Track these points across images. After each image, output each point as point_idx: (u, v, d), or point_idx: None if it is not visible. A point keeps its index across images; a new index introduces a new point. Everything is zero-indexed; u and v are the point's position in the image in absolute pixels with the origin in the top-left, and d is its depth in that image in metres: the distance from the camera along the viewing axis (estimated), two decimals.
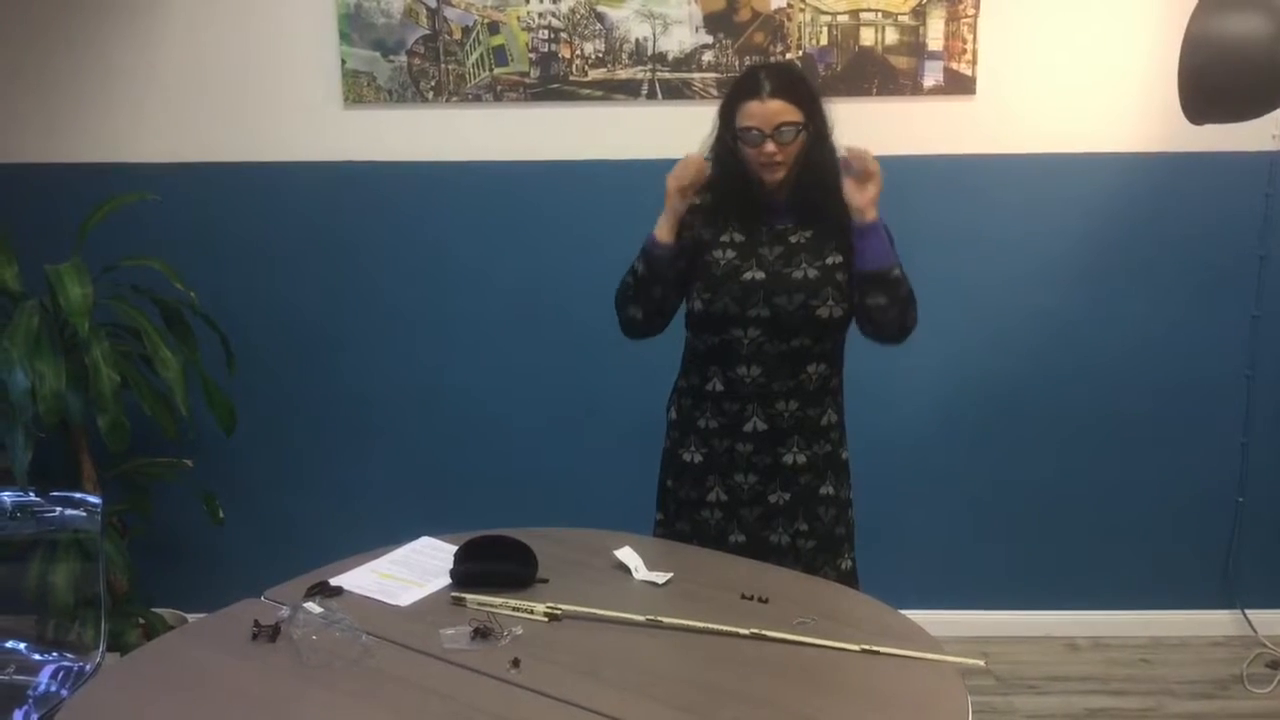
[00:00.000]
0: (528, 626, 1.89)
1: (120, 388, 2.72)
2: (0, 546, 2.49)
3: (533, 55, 3.13)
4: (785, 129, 2.13)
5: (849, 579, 2.36)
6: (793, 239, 2.23)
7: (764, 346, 2.20)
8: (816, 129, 2.18)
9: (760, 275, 2.20)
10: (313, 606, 1.86)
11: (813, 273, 2.20)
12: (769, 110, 2.12)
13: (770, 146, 2.13)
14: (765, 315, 2.19)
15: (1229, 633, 3.40)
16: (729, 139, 2.19)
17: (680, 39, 3.10)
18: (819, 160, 2.19)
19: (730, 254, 2.23)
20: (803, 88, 2.18)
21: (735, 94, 2.18)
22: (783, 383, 2.23)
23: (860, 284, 2.19)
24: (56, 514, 2.47)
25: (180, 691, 1.72)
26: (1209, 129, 2.73)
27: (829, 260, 2.21)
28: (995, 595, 3.41)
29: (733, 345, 2.22)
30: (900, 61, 3.10)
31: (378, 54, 3.13)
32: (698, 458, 2.32)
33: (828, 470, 2.32)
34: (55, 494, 2.47)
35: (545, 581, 2.05)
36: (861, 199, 2.14)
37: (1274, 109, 2.55)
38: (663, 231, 2.22)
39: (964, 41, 3.09)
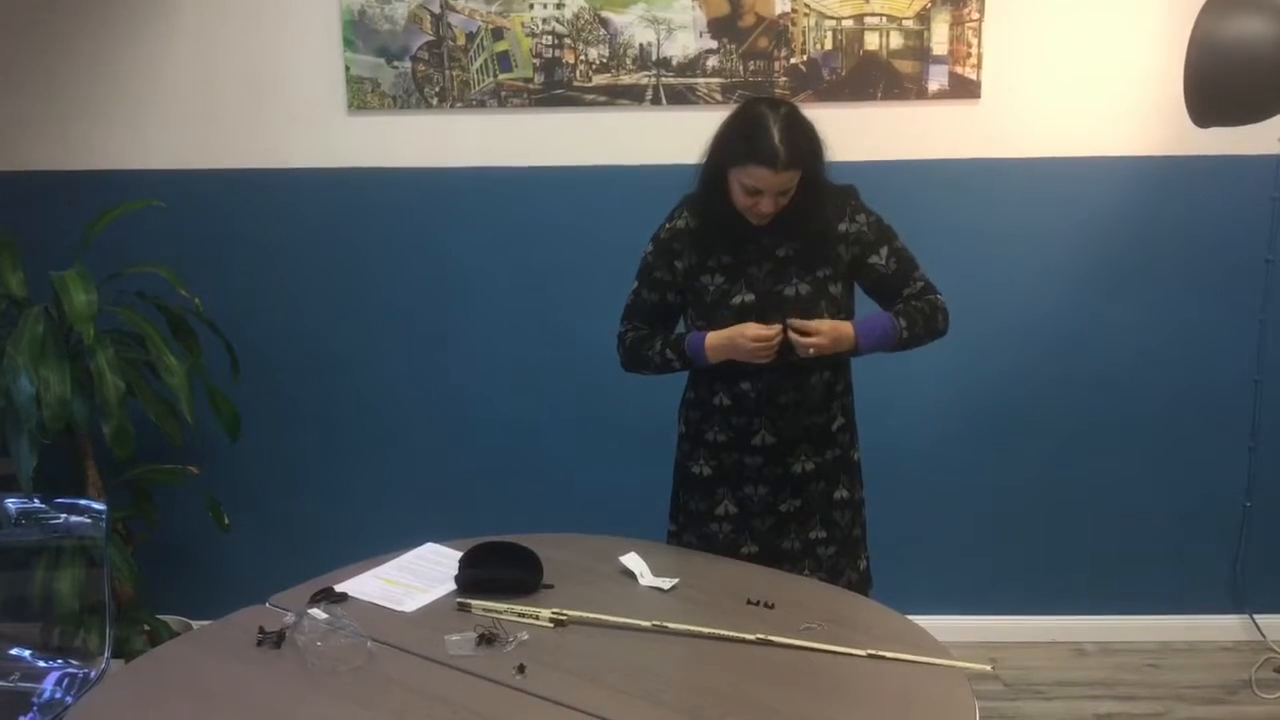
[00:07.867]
0: (533, 632, 1.88)
1: (125, 394, 2.72)
2: (5, 553, 2.49)
3: (537, 61, 3.13)
4: (788, 190, 2.10)
5: (866, 577, 2.38)
6: (780, 253, 2.20)
7: (765, 363, 2.17)
8: (813, 176, 2.13)
9: (750, 298, 2.19)
10: (318, 613, 1.86)
11: (804, 288, 2.19)
12: (779, 180, 2.07)
13: (768, 207, 2.11)
14: None
15: (1237, 637, 3.39)
16: (721, 176, 2.13)
17: (684, 44, 3.10)
18: (811, 195, 2.14)
19: (719, 278, 2.22)
20: (808, 147, 2.10)
21: (743, 147, 2.08)
22: (788, 395, 2.22)
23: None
24: (61, 521, 2.46)
25: (185, 698, 1.72)
26: (1214, 132, 2.73)
27: (820, 273, 2.20)
28: (1002, 600, 3.40)
29: (734, 364, 2.20)
30: (905, 66, 3.10)
31: (382, 60, 3.13)
32: (707, 470, 2.31)
33: (839, 474, 2.31)
34: (60, 500, 2.47)
35: (551, 587, 2.05)
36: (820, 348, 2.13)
37: None
38: (714, 354, 2.18)
39: (968, 46, 3.09)
